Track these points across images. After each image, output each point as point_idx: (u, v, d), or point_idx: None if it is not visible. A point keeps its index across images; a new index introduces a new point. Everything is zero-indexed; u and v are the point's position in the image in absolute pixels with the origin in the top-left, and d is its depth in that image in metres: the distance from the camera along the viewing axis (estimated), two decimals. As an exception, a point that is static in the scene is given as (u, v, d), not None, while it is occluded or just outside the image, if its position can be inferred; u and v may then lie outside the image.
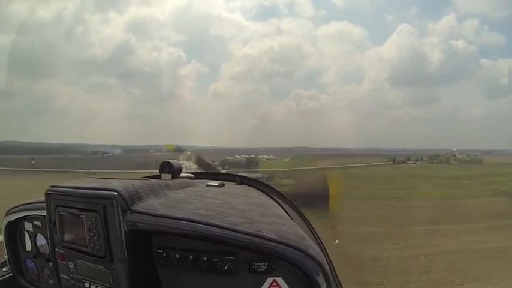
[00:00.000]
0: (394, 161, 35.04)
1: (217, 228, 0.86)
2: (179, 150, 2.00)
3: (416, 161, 34.73)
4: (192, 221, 0.88)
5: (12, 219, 1.34)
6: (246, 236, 0.85)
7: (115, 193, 0.91)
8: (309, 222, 1.44)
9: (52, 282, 1.24)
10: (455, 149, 32.69)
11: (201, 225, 0.87)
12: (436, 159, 34.28)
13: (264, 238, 0.85)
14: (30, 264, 1.35)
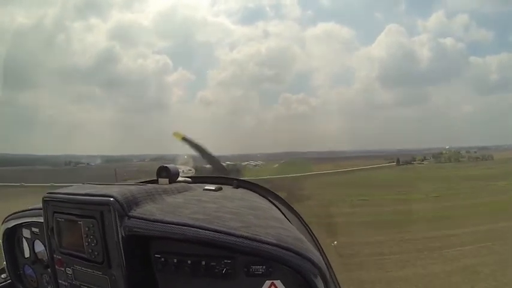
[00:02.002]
0: (397, 161, 31.12)
1: (214, 233, 0.88)
2: (186, 140, 1.89)
3: (422, 160, 31.00)
4: (189, 225, 0.90)
5: (10, 226, 1.35)
6: (244, 240, 0.86)
7: (112, 199, 0.93)
8: (307, 225, 1.43)
9: None
10: (447, 146, 31.19)
11: (198, 229, 0.89)
12: (442, 157, 30.33)
13: (262, 242, 0.86)
14: (28, 270, 1.36)
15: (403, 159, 31.39)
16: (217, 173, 1.84)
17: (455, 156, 31.13)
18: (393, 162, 32.16)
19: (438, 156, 30.58)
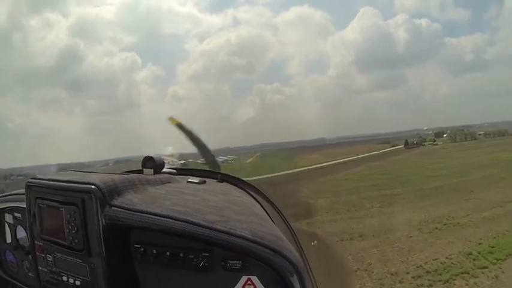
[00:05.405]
0: (406, 144, 25.43)
1: (191, 225, 0.91)
2: (181, 127, 1.89)
3: (434, 141, 25.41)
4: (167, 217, 0.93)
5: None
6: (220, 234, 0.89)
7: (94, 187, 0.96)
8: (288, 222, 1.44)
9: (31, 275, 1.28)
10: (425, 128, 30.15)
11: (175, 221, 0.92)
12: (458, 135, 28.02)
13: (238, 236, 0.89)
14: (9, 256, 1.38)
15: (412, 141, 26.29)
16: (208, 166, 1.85)
17: (470, 134, 26.65)
18: (397, 145, 26.70)
19: (440, 135, 28.47)
